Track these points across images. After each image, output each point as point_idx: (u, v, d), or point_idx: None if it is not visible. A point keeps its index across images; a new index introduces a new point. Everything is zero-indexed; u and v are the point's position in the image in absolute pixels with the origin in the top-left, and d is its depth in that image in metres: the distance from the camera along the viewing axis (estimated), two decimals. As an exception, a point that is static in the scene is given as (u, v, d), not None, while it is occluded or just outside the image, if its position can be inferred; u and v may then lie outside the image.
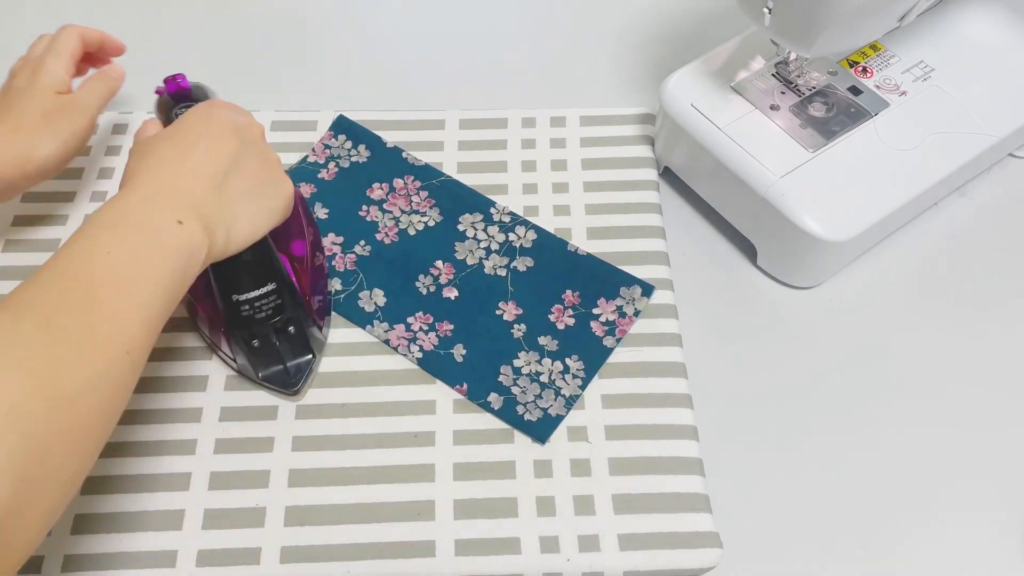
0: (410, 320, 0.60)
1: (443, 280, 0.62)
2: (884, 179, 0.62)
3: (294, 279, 0.57)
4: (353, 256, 0.64)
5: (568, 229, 0.65)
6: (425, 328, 0.60)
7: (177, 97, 0.59)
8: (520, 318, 0.61)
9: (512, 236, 0.64)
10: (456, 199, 0.66)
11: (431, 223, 0.65)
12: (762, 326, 0.64)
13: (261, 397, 0.58)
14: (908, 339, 0.63)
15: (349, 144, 0.69)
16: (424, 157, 0.69)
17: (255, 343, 0.56)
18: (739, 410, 0.60)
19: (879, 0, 0.56)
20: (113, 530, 0.52)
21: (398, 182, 0.67)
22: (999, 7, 0.69)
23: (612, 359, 0.59)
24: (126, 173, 0.48)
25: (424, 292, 0.62)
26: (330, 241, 0.64)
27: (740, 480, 0.57)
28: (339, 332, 0.60)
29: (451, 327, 0.60)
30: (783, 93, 0.65)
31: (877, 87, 0.66)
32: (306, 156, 0.68)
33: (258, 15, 0.81)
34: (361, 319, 0.61)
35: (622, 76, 0.77)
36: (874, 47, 0.69)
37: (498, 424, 0.57)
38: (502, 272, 0.63)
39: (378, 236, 0.65)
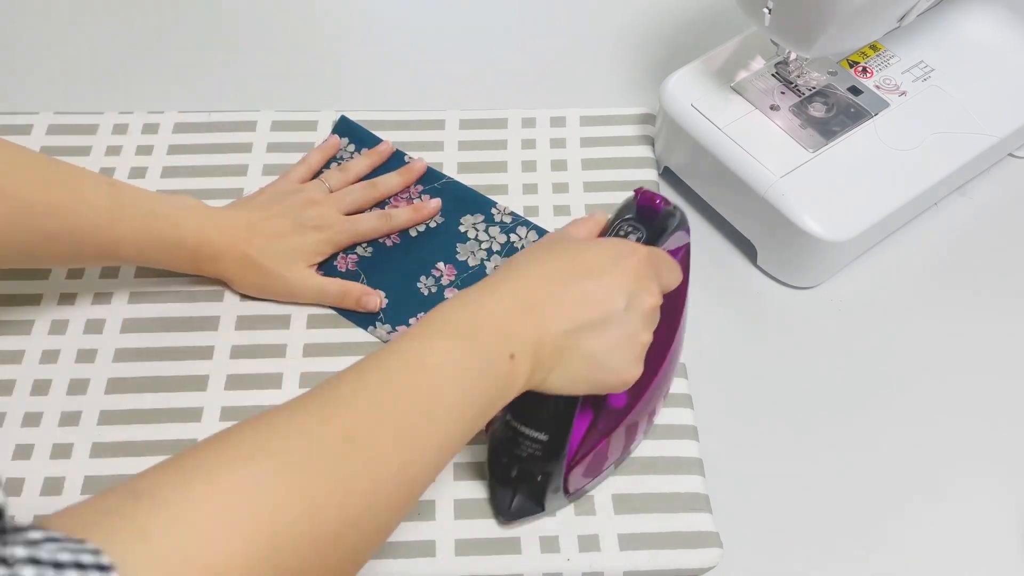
0: (412, 322, 0.60)
1: (445, 281, 0.62)
2: (884, 179, 0.62)
3: (576, 440, 0.51)
4: (355, 257, 0.64)
5: (568, 229, 0.65)
6: None
7: (643, 211, 0.50)
8: None
9: (513, 237, 0.64)
10: (457, 200, 0.66)
11: (432, 224, 0.65)
12: (762, 326, 0.64)
13: (261, 397, 0.58)
14: (908, 339, 0.63)
15: (352, 147, 0.69)
16: (424, 157, 0.69)
17: (504, 459, 0.52)
18: (739, 410, 0.59)
19: (879, 0, 0.56)
20: (113, 530, 0.52)
21: None
22: (999, 7, 0.69)
23: (612, 359, 0.59)
24: (521, 256, 0.46)
25: (426, 293, 0.62)
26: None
27: (740, 480, 0.57)
28: (340, 332, 0.60)
29: None
30: (783, 93, 0.65)
31: (877, 87, 0.66)
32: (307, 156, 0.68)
33: (258, 15, 0.81)
34: (363, 320, 0.61)
35: (622, 76, 0.77)
36: (874, 47, 0.69)
37: (498, 424, 0.57)
38: None
39: (380, 237, 0.65)
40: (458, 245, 0.64)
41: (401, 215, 0.64)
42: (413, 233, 0.65)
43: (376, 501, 0.36)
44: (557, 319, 0.43)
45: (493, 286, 0.44)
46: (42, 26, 0.80)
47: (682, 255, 0.53)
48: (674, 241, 0.52)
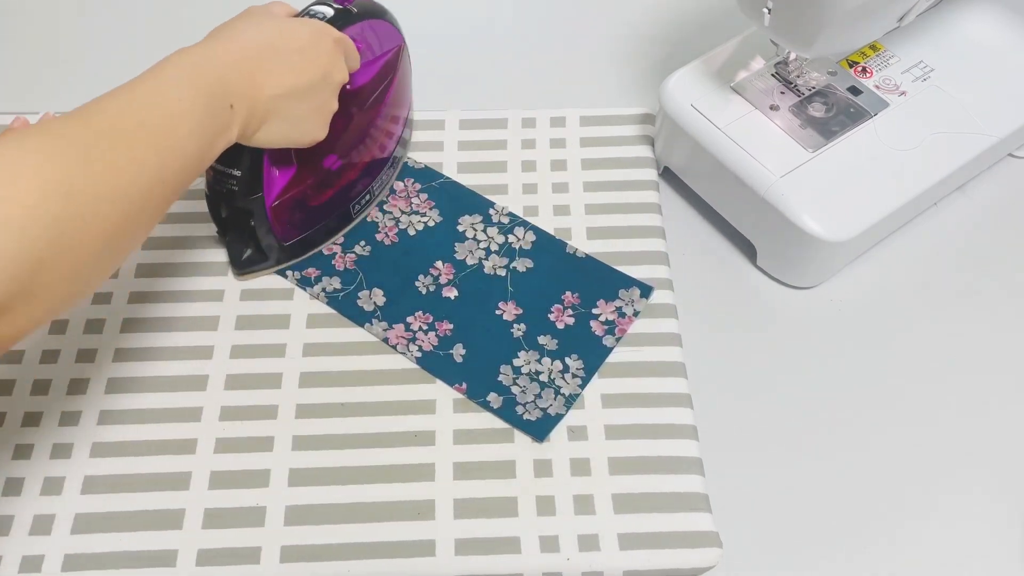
0: (409, 320, 0.61)
1: (443, 280, 0.63)
2: (884, 179, 0.62)
3: (278, 185, 0.59)
4: (353, 256, 0.64)
5: (568, 229, 0.65)
6: (424, 328, 0.60)
7: None
8: (520, 318, 0.61)
9: (511, 238, 0.65)
10: (455, 200, 0.66)
11: (431, 223, 0.65)
12: (762, 326, 0.64)
13: (261, 396, 0.58)
14: (908, 339, 0.63)
15: None
16: (424, 157, 0.69)
17: (223, 213, 0.61)
18: (739, 410, 0.60)
19: (879, 0, 0.56)
20: (113, 529, 0.52)
21: (398, 184, 0.67)
22: (999, 7, 0.69)
23: (612, 359, 0.59)
24: (231, 22, 0.51)
25: (424, 292, 0.62)
26: (330, 240, 0.64)
27: (740, 480, 0.57)
28: (340, 332, 0.60)
29: (451, 327, 0.60)
30: (783, 93, 0.65)
31: (877, 87, 0.66)
32: None
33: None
34: (360, 317, 0.61)
35: (622, 76, 0.77)
36: (874, 47, 0.69)
37: (498, 423, 0.57)
38: (502, 272, 0.63)
39: (378, 236, 0.65)
40: (456, 244, 0.64)
41: None
42: (412, 232, 0.65)
43: (122, 190, 0.41)
44: (268, 84, 0.50)
45: (216, 43, 0.49)
46: (42, 26, 0.80)
47: (393, 53, 0.63)
48: (385, 40, 0.62)
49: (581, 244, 0.64)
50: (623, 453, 0.55)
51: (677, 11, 0.81)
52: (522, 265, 0.63)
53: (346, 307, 0.61)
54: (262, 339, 0.60)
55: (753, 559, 0.54)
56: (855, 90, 0.66)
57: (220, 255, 0.64)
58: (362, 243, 0.64)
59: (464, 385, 0.58)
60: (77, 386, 0.58)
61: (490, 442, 0.56)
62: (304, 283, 0.62)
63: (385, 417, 0.57)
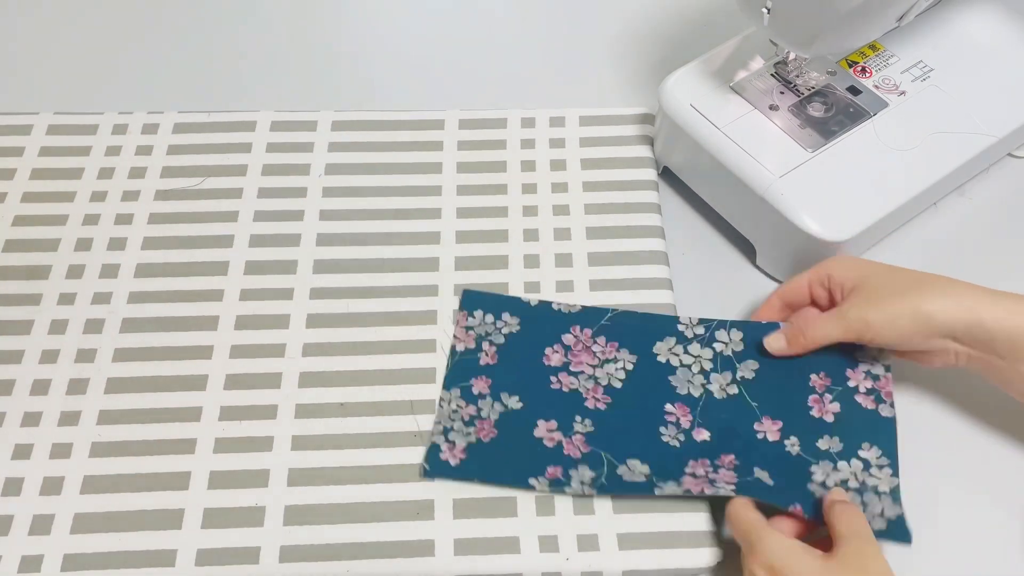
0: (692, 465, 0.53)
1: (684, 424, 0.55)
2: (883, 179, 0.62)
3: None
4: (580, 436, 0.55)
5: (567, 229, 0.65)
6: (712, 469, 0.53)
7: None
8: (785, 431, 0.54)
9: (718, 346, 0.58)
10: (637, 332, 0.59)
11: (629, 367, 0.57)
12: (761, 326, 0.63)
13: (260, 396, 0.58)
14: (907, 339, 0.63)
15: (491, 317, 0.60)
16: (423, 157, 0.69)
17: None
18: (738, 410, 0.59)
19: (879, 0, 0.56)
20: (112, 529, 0.52)
21: (568, 338, 0.59)
22: (999, 7, 0.69)
23: (612, 359, 0.59)
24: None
25: (677, 445, 0.54)
26: (545, 429, 0.55)
27: (739, 480, 0.57)
28: (340, 332, 0.60)
29: (732, 458, 0.53)
30: (782, 93, 0.65)
31: (876, 87, 0.66)
32: (453, 347, 0.59)
33: (257, 15, 0.81)
34: (645, 489, 0.52)
35: (622, 76, 0.77)
36: (873, 47, 0.69)
37: (498, 424, 0.57)
38: (733, 390, 0.56)
39: (588, 404, 0.56)
40: (670, 378, 0.57)
41: None
42: (617, 384, 0.57)
43: None
44: None
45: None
46: (42, 26, 0.80)
47: None
48: None
49: (581, 244, 0.64)
50: (623, 453, 0.55)
51: (677, 11, 0.81)
52: (748, 371, 0.57)
53: (620, 486, 0.53)
54: (262, 339, 0.60)
55: (752, 559, 0.54)
56: (854, 90, 0.66)
57: (219, 255, 0.64)
58: (578, 419, 0.55)
59: (799, 507, 0.50)
60: (77, 386, 0.58)
61: (490, 442, 0.56)
62: (556, 485, 0.53)
63: (385, 417, 0.57)
